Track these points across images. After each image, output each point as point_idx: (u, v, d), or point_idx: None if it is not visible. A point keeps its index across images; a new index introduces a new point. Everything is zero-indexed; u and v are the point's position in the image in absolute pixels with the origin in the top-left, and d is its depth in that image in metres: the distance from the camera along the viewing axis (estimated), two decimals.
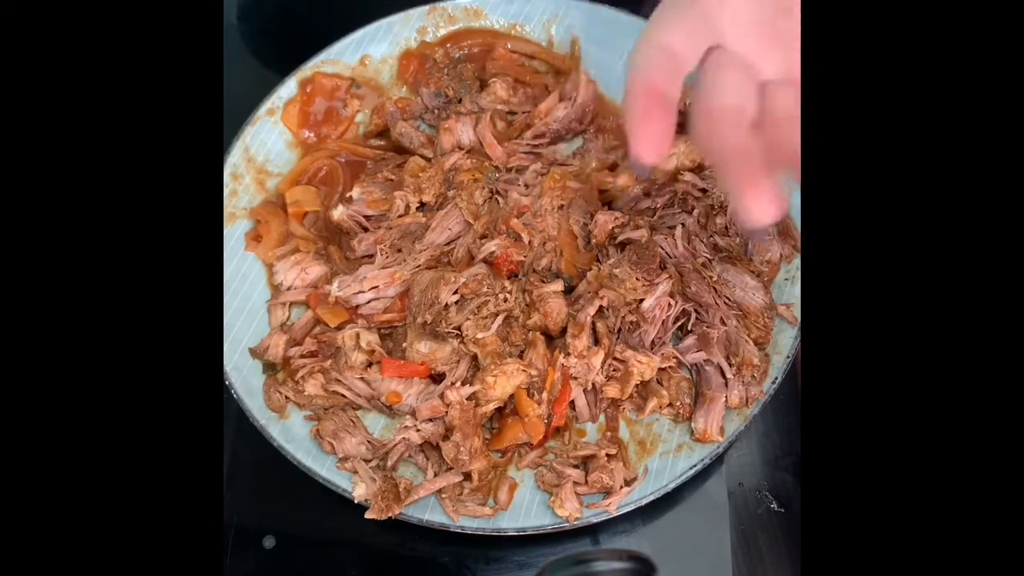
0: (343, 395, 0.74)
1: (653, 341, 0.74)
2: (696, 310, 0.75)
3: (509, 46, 0.92)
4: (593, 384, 0.72)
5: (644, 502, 0.69)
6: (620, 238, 0.77)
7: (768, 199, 0.54)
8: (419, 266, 0.77)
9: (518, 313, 0.74)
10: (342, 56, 0.89)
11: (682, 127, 0.88)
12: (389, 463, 0.71)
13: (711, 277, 0.75)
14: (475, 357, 0.73)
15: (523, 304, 0.75)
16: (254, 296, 0.80)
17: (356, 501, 0.68)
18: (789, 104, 0.54)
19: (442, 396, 0.70)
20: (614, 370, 0.73)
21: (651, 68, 0.57)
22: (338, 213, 0.81)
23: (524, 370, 0.71)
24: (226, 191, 0.82)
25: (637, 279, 0.73)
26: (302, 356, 0.76)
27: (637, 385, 0.73)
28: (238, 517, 0.74)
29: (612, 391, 0.73)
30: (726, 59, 0.57)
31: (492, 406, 0.71)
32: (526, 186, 0.81)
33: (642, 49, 0.58)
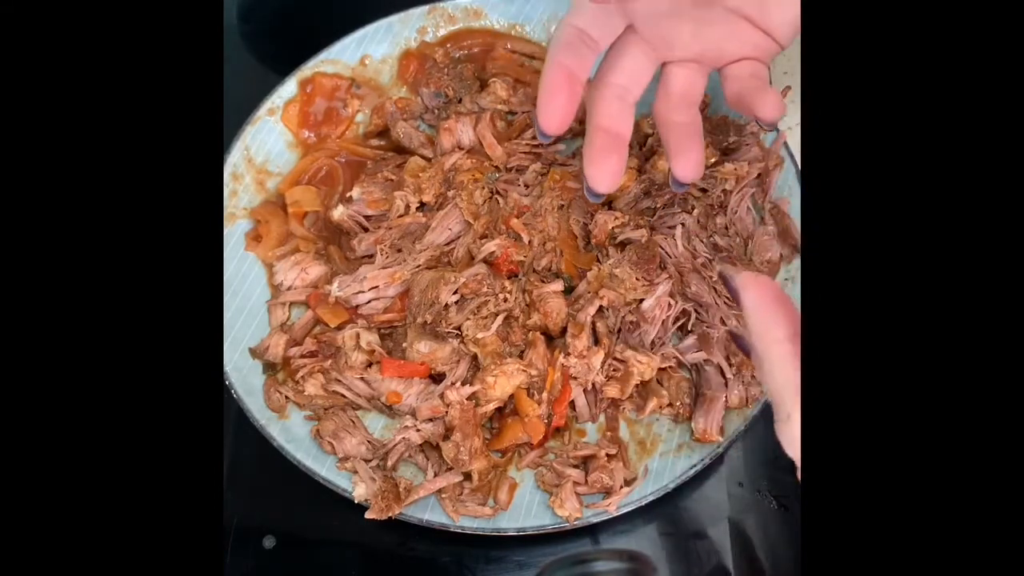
0: (343, 395, 0.74)
1: (653, 341, 0.74)
2: (696, 310, 0.75)
3: (509, 46, 0.92)
4: (593, 384, 0.72)
5: (644, 502, 0.69)
6: (620, 238, 0.77)
7: (607, 171, 0.63)
8: (419, 266, 0.77)
9: (518, 313, 0.74)
10: (342, 56, 0.90)
11: None
12: (389, 463, 0.71)
13: (711, 277, 0.75)
14: (475, 357, 0.73)
15: (523, 304, 0.75)
16: (254, 296, 0.80)
17: (356, 501, 0.69)
18: (681, 83, 0.63)
19: (442, 396, 0.70)
20: (614, 370, 0.73)
21: (565, 47, 0.63)
22: (338, 213, 0.81)
23: (524, 370, 0.71)
24: (226, 191, 0.82)
25: (637, 279, 0.73)
26: (302, 356, 0.76)
27: (637, 385, 0.73)
28: (238, 517, 0.74)
29: (612, 391, 0.73)
30: (629, 41, 0.64)
31: (492, 406, 0.71)
32: (526, 186, 0.81)
33: (559, 29, 0.64)
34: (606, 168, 0.63)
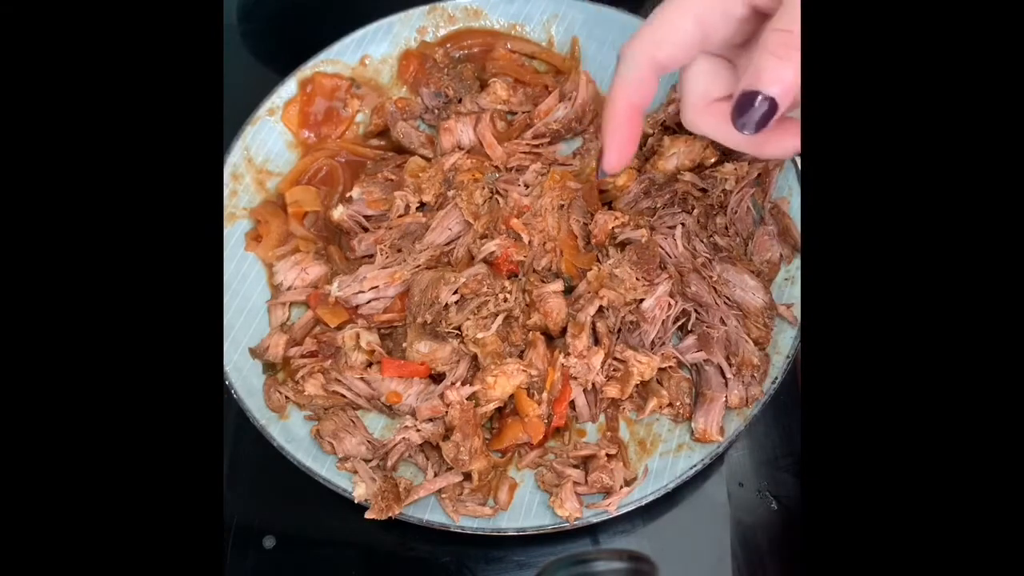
0: (343, 395, 0.74)
1: (653, 341, 0.74)
2: (696, 310, 0.75)
3: (509, 46, 0.92)
4: (593, 384, 0.72)
5: (644, 502, 0.69)
6: (620, 238, 0.77)
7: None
8: (419, 266, 0.77)
9: (518, 313, 0.74)
10: (342, 56, 0.90)
11: (680, 127, 0.88)
12: (389, 463, 0.71)
13: (711, 277, 0.75)
14: (475, 357, 0.73)
15: (523, 304, 0.75)
16: (254, 296, 0.80)
17: (356, 501, 0.69)
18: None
19: (442, 396, 0.70)
20: (614, 370, 0.73)
21: (636, 84, 0.62)
22: (338, 213, 0.81)
23: (524, 370, 0.71)
24: (226, 191, 0.82)
25: (637, 279, 0.73)
26: (302, 356, 0.76)
27: (637, 385, 0.73)
28: (238, 517, 0.74)
29: (612, 391, 0.73)
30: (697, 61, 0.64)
31: (492, 406, 0.71)
32: (526, 186, 0.81)
33: (631, 62, 0.62)
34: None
